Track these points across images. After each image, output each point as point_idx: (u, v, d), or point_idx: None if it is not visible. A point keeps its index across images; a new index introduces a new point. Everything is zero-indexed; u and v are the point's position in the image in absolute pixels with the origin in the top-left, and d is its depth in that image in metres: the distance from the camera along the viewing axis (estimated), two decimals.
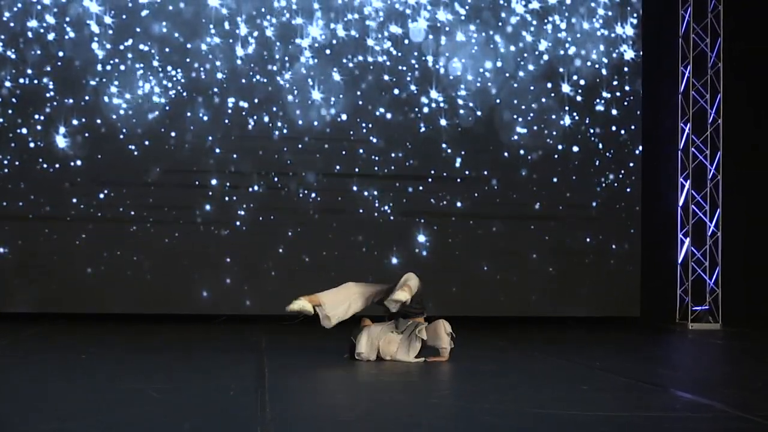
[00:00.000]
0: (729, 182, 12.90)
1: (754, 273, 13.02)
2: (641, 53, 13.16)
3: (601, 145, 13.08)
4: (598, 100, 13.09)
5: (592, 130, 13.08)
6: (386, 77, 12.81)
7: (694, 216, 12.86)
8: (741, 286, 12.91)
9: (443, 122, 12.85)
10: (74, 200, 12.31)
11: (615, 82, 13.12)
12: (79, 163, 12.31)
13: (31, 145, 12.21)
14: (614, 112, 13.10)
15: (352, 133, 12.74)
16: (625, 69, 13.15)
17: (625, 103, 13.13)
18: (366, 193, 12.73)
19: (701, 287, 12.85)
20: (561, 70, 13.05)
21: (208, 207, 12.52)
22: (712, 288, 12.81)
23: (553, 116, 13.00)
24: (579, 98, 13.06)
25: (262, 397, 6.27)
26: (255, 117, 12.60)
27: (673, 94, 13.08)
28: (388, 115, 12.80)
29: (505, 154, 12.97)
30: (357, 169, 12.74)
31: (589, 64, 13.09)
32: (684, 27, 12.99)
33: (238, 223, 12.54)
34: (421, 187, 12.84)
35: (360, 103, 12.77)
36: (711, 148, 12.87)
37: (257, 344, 9.70)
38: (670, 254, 13.01)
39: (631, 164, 13.12)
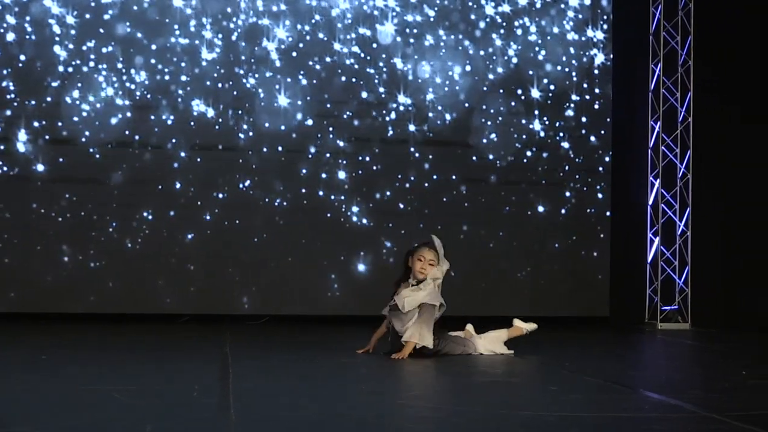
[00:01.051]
0: (699, 181, 12.96)
1: (724, 272, 13.08)
2: (611, 55, 13.18)
3: (571, 152, 13.08)
4: (567, 105, 13.09)
5: (561, 134, 13.09)
6: (354, 80, 12.78)
7: (664, 215, 12.91)
8: (710, 285, 12.97)
9: (411, 127, 12.83)
10: (34, 205, 12.22)
11: (585, 85, 13.13)
12: (40, 167, 12.22)
13: None
14: (584, 119, 13.10)
15: (319, 136, 12.69)
16: (595, 72, 13.15)
17: (596, 107, 13.15)
18: (333, 197, 12.69)
19: (671, 287, 12.91)
20: (530, 73, 13.05)
21: (172, 213, 12.45)
22: (681, 287, 12.86)
23: (523, 121, 13.00)
24: (549, 102, 13.06)
25: (225, 397, 6.25)
26: (221, 120, 12.54)
27: (644, 93, 13.11)
28: (356, 119, 12.77)
29: (474, 158, 12.96)
30: (324, 175, 12.70)
31: (559, 68, 13.09)
32: (654, 25, 13.05)
33: (202, 227, 12.47)
34: (388, 192, 12.82)
35: (327, 106, 12.73)
36: (681, 147, 12.92)
37: (221, 344, 9.66)
38: (639, 253, 13.06)
39: (601, 168, 13.13)
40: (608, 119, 13.16)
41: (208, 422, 5.52)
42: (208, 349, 9.36)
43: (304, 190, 12.67)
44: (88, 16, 12.35)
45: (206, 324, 12.05)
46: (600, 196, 13.12)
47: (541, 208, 13.02)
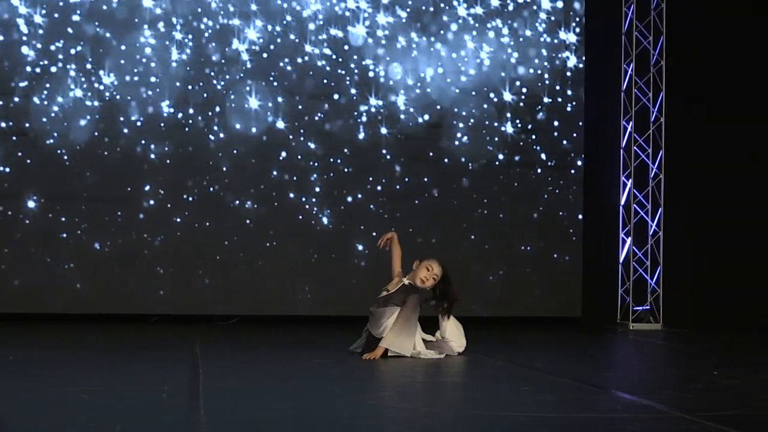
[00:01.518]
0: (671, 181, 13.00)
1: (696, 273, 13.13)
2: (584, 56, 13.20)
3: (543, 154, 13.09)
4: (540, 107, 13.11)
5: (534, 136, 13.10)
6: (325, 81, 12.75)
7: (636, 215, 12.95)
8: (682, 286, 13.01)
9: (383, 129, 12.81)
10: (1, 207, 12.15)
11: (557, 87, 13.15)
12: (7, 169, 12.15)
13: None
14: (556, 122, 13.11)
15: (291, 137, 12.66)
16: (568, 74, 13.18)
17: (568, 109, 13.17)
18: (303, 199, 12.66)
19: (642, 287, 12.95)
20: (502, 75, 13.05)
21: (141, 215, 12.40)
22: (653, 288, 12.91)
23: (495, 123, 13.01)
24: (521, 104, 13.07)
25: (196, 398, 6.22)
26: (190, 122, 12.49)
27: (616, 94, 13.15)
28: (327, 122, 12.74)
29: (446, 160, 12.96)
30: (295, 177, 12.67)
31: (531, 71, 13.10)
32: (627, 24, 13.09)
33: (172, 229, 12.43)
34: (360, 195, 12.80)
35: (299, 108, 12.69)
36: (653, 147, 12.97)
37: (191, 345, 9.63)
38: (611, 254, 13.09)
39: (573, 170, 13.15)
40: (580, 122, 13.19)
41: (178, 423, 5.49)
42: (178, 350, 9.33)
43: (274, 193, 12.63)
44: (56, 15, 12.28)
45: (176, 325, 12.01)
46: (572, 197, 13.14)
47: (513, 210, 13.03)
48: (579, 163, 13.18)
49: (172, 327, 11.75)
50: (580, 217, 13.16)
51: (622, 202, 13.06)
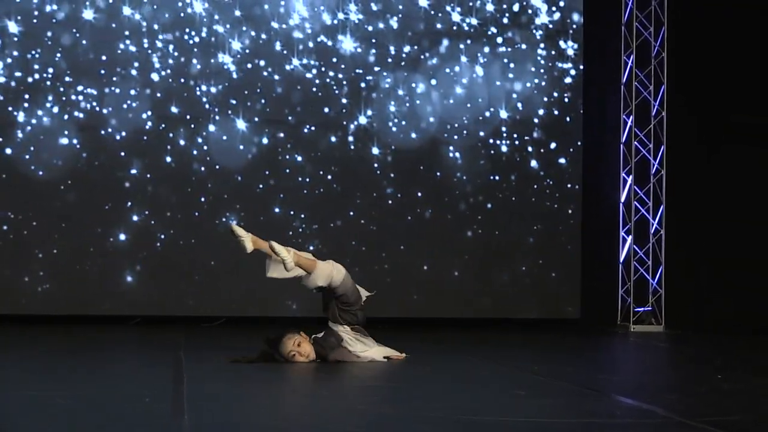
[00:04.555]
0: (673, 177, 13.01)
1: (699, 273, 13.15)
2: (582, 48, 13.18)
3: (541, 147, 13.08)
4: (539, 100, 13.09)
5: (531, 127, 13.09)
6: (314, 91, 12.70)
7: (637, 213, 12.96)
8: (685, 286, 13.04)
9: (374, 143, 12.79)
10: None
11: (555, 74, 13.14)
12: None
13: None
14: (555, 111, 13.10)
15: (280, 150, 12.63)
16: (567, 65, 13.16)
17: (566, 100, 13.16)
18: (291, 213, 12.64)
19: (644, 287, 12.95)
20: (498, 83, 13.03)
21: (122, 236, 12.36)
22: (654, 288, 12.92)
23: (491, 109, 12.99)
24: (518, 117, 13.03)
25: (179, 403, 6.22)
26: (172, 135, 12.44)
27: (616, 87, 13.14)
28: (316, 134, 12.71)
29: (438, 173, 12.94)
30: (281, 195, 12.64)
31: (528, 85, 13.06)
32: (627, 15, 13.09)
33: (156, 244, 12.41)
34: (352, 213, 12.78)
35: (290, 119, 12.66)
36: (655, 142, 12.98)
37: (175, 347, 9.62)
38: (611, 253, 13.10)
39: (571, 165, 13.16)
40: (580, 112, 13.19)
41: (162, 428, 5.49)
42: (161, 353, 9.32)
43: (261, 207, 12.58)
44: (35, 21, 12.21)
45: (159, 326, 12.00)
46: (570, 192, 13.15)
47: (508, 202, 13.03)
48: (578, 155, 13.17)
49: (155, 329, 11.73)
50: (579, 211, 13.16)
51: (623, 200, 13.07)
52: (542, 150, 13.13)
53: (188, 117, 12.49)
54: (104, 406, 6.15)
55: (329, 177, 12.77)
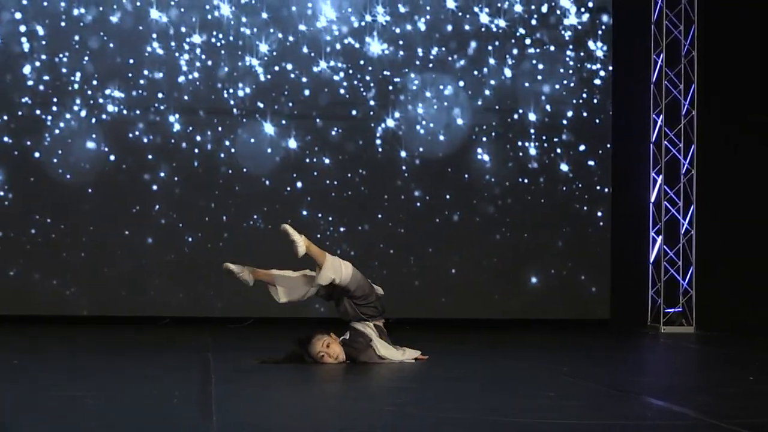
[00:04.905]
0: (703, 177, 12.93)
1: (730, 273, 13.06)
2: (612, 46, 13.12)
3: (570, 147, 13.03)
4: (567, 101, 13.02)
5: (561, 125, 13.04)
6: (341, 94, 12.67)
7: (667, 213, 12.89)
8: (716, 287, 12.95)
9: (401, 146, 12.75)
10: (4, 232, 12.19)
11: (584, 75, 13.08)
12: (10, 194, 12.18)
13: None
14: (584, 113, 13.02)
15: (308, 152, 12.63)
16: (596, 66, 13.09)
17: (595, 101, 13.09)
18: (320, 215, 12.64)
19: (674, 288, 12.86)
20: (527, 84, 12.98)
21: (150, 239, 12.39)
22: (685, 289, 12.84)
23: (520, 110, 12.94)
24: (546, 120, 12.98)
25: (207, 404, 6.23)
26: (199, 138, 12.47)
27: (645, 86, 13.07)
28: (344, 136, 12.70)
29: (466, 176, 12.91)
30: (309, 198, 12.65)
31: (557, 86, 12.99)
32: (656, 13, 13.02)
33: (183, 248, 12.42)
34: (380, 215, 12.78)
35: (318, 121, 12.64)
36: (685, 141, 12.91)
37: (203, 348, 9.66)
38: (641, 253, 13.03)
39: (601, 164, 13.09)
40: (609, 112, 13.14)
41: (190, 429, 5.50)
42: (190, 354, 9.34)
43: (288, 210, 12.56)
44: (63, 25, 12.26)
45: (187, 327, 12.03)
46: (599, 193, 13.10)
47: (537, 205, 12.99)
48: (607, 155, 13.12)
49: (183, 330, 11.76)
50: (608, 212, 13.10)
51: (653, 200, 13.01)
52: (571, 152, 13.08)
53: (215, 120, 12.50)
54: (133, 407, 6.18)
55: (357, 180, 12.76)
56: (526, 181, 12.97)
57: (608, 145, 13.14)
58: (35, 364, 8.41)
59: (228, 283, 12.38)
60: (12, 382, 7.27)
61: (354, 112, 12.73)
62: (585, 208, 13.07)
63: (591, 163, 13.10)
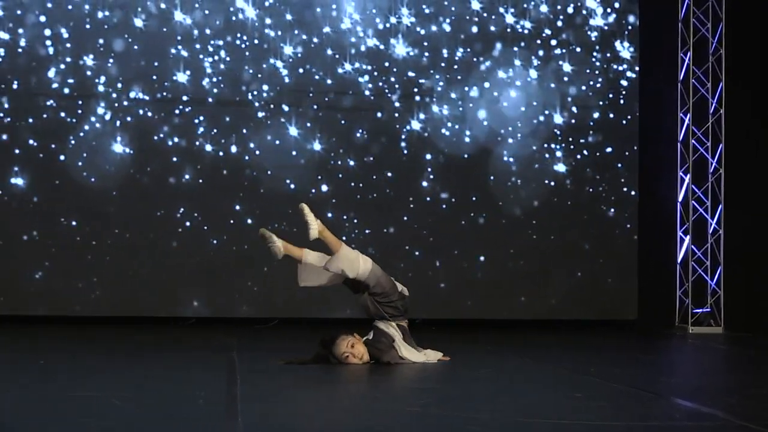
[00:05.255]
0: (732, 176, 12.88)
1: (759, 273, 13.01)
2: (638, 46, 13.07)
3: (596, 147, 12.99)
4: (593, 99, 12.98)
5: (587, 124, 13.00)
6: (366, 94, 12.68)
7: (695, 212, 12.84)
8: (745, 287, 12.90)
9: (426, 147, 12.75)
10: (29, 234, 12.24)
11: (610, 75, 13.03)
12: (35, 197, 12.24)
13: None
14: (611, 114, 12.96)
15: (333, 155, 12.63)
16: (622, 66, 13.05)
17: (621, 101, 13.05)
18: (344, 217, 12.64)
19: (702, 288, 12.82)
20: (552, 86, 12.95)
21: (175, 243, 12.43)
22: (713, 289, 12.80)
23: (546, 112, 12.90)
24: (573, 122, 12.94)
25: (232, 404, 6.24)
26: (224, 141, 12.48)
27: (672, 84, 13.03)
28: (369, 139, 12.69)
29: (491, 178, 12.87)
30: (334, 200, 12.65)
31: (584, 88, 12.95)
32: (684, 11, 12.97)
33: (209, 251, 12.46)
34: (405, 218, 12.77)
35: (342, 123, 12.64)
36: (713, 140, 12.86)
37: (228, 348, 9.67)
38: (669, 253, 12.99)
39: (627, 164, 13.05)
40: (636, 112, 13.09)
41: (215, 430, 5.50)
42: (215, 354, 9.36)
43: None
44: (87, 27, 12.30)
45: (213, 327, 12.06)
46: (627, 192, 13.06)
47: (563, 207, 12.95)
48: (634, 154, 13.08)
49: (209, 330, 11.78)
50: (636, 215, 13.06)
51: (680, 199, 12.96)
52: (597, 153, 13.04)
53: (240, 122, 12.52)
54: (158, 408, 6.20)
55: (382, 181, 12.75)
56: (552, 184, 12.93)
57: (635, 147, 13.09)
58: (61, 364, 8.45)
59: (253, 283, 12.51)
60: (38, 382, 7.31)
61: (379, 114, 12.73)
62: (612, 209, 13.03)
63: (618, 164, 13.06)
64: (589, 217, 13.01)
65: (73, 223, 12.29)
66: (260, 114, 12.54)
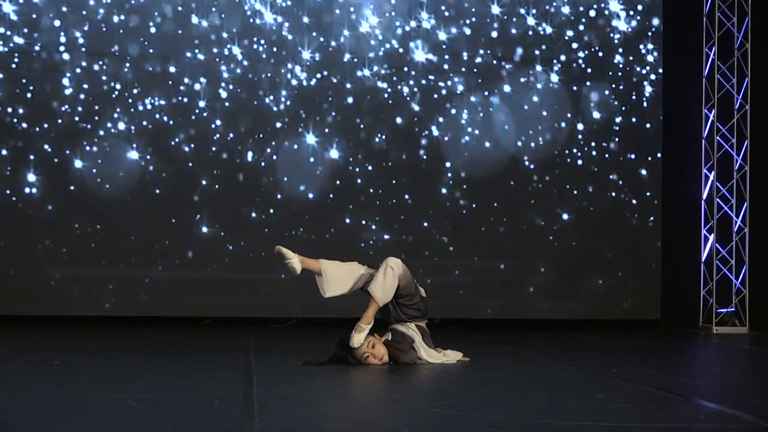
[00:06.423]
0: (757, 173, 12.83)
1: None
2: (662, 42, 13.02)
3: (619, 143, 12.96)
4: (615, 98, 12.94)
5: (610, 121, 12.96)
6: (385, 99, 12.66)
7: (719, 210, 12.78)
8: None
9: (446, 153, 12.73)
10: (42, 239, 12.30)
11: (636, 68, 12.98)
12: (50, 204, 12.29)
13: None
14: (633, 111, 12.97)
15: (351, 160, 12.64)
16: (647, 58, 12.98)
17: (645, 96, 13.01)
18: (363, 223, 12.64)
19: (727, 288, 12.77)
20: (574, 89, 12.90)
21: (191, 252, 12.45)
22: (738, 288, 12.75)
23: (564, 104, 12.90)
24: (595, 126, 12.90)
25: (250, 406, 6.25)
26: (240, 147, 12.49)
27: (697, 79, 12.96)
28: (388, 144, 12.68)
29: (512, 183, 12.83)
30: (351, 206, 12.65)
31: (606, 92, 12.91)
32: (708, 5, 12.91)
33: (224, 258, 12.47)
34: (425, 224, 12.75)
35: (361, 128, 12.62)
36: (738, 137, 12.80)
37: (245, 348, 9.71)
38: (692, 252, 12.94)
39: (650, 160, 13.01)
40: (659, 108, 13.05)
41: (232, 431, 5.51)
42: (231, 354, 9.40)
43: (331, 219, 12.58)
44: (103, 32, 12.34)
45: (229, 327, 12.09)
46: (649, 190, 13.02)
47: (586, 212, 12.91)
48: (657, 154, 13.04)
49: (225, 330, 11.81)
50: (659, 213, 13.03)
51: (704, 197, 12.91)
52: (620, 158, 13.00)
53: (257, 128, 12.54)
54: (175, 408, 6.24)
55: (401, 188, 12.74)
56: (575, 191, 12.89)
57: (659, 155, 13.03)
58: (77, 365, 8.49)
59: (270, 286, 12.51)
60: (54, 384, 7.35)
61: (398, 120, 12.72)
62: (635, 209, 12.98)
63: (641, 168, 13.01)
64: (612, 220, 12.97)
65: (88, 229, 12.32)
66: (277, 119, 12.55)
